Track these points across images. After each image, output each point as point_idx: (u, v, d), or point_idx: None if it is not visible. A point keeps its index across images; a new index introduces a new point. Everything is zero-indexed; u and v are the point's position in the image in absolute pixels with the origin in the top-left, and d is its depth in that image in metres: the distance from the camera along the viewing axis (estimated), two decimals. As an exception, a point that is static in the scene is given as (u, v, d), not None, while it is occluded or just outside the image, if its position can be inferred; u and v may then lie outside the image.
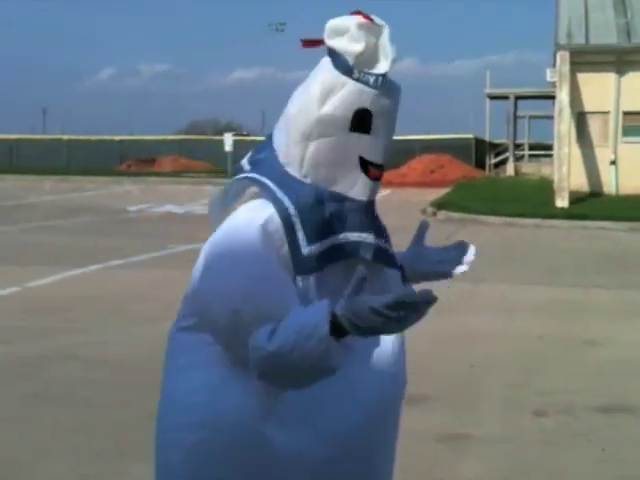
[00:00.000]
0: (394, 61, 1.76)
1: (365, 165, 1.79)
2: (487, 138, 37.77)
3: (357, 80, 1.74)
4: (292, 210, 1.75)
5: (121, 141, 41.70)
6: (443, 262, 2.13)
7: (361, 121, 1.75)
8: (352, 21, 1.74)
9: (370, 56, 1.75)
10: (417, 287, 1.74)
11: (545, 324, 7.37)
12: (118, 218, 17.40)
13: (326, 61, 1.80)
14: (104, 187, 27.42)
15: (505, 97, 36.43)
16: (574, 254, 12.32)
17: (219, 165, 35.20)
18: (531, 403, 5.12)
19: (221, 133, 39.06)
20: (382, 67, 1.75)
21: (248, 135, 45.53)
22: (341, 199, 1.79)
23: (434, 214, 18.07)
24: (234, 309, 1.65)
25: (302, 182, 1.78)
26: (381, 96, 1.76)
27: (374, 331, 1.55)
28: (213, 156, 37.18)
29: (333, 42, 1.76)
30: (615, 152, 22.62)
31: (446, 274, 2.13)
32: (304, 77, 1.87)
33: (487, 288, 8.98)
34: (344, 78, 1.74)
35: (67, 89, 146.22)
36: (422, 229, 2.15)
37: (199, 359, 1.80)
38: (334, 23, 1.77)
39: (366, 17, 1.76)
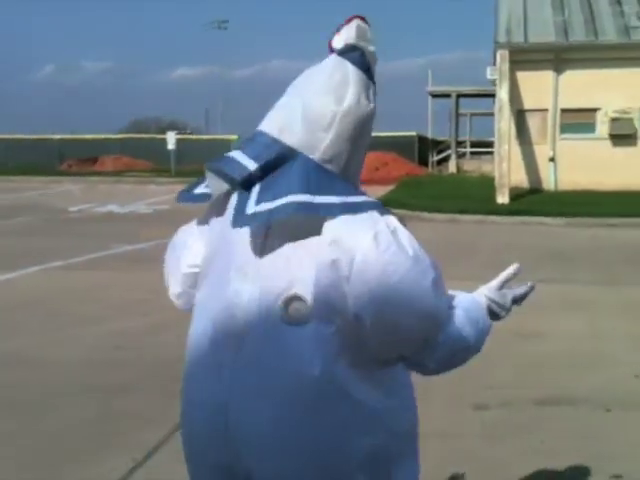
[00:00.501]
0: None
1: None
2: (430, 135, 38.14)
3: (371, 79, 1.90)
4: None
5: (61, 140, 40.89)
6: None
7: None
8: (367, 25, 1.91)
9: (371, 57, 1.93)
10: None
11: (486, 319, 7.48)
12: (58, 218, 17.10)
13: (344, 62, 1.87)
14: (44, 187, 26.91)
15: (447, 95, 36.84)
16: (515, 249, 12.52)
17: (162, 164, 34.83)
18: (472, 397, 5.20)
19: (164, 132, 38.59)
20: (375, 67, 1.94)
21: (192, 133, 45.14)
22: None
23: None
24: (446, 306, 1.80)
25: (343, 177, 1.88)
26: None
27: (497, 318, 1.97)
28: (156, 155, 36.72)
29: (360, 42, 1.89)
30: (554, 149, 23.07)
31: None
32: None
33: (430, 284, 9.08)
34: (365, 77, 1.88)
35: (3, 86, 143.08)
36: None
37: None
38: (363, 25, 1.90)
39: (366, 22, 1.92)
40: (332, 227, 1.73)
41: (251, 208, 1.81)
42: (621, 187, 21.22)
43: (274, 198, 1.78)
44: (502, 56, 21.43)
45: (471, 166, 34.19)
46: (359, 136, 1.87)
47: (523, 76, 22.60)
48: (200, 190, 2.02)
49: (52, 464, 4.11)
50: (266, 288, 1.76)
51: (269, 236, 1.79)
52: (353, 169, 1.91)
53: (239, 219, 1.83)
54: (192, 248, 2.01)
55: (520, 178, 22.50)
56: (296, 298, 1.73)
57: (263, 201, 1.80)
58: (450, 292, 1.87)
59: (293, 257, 1.75)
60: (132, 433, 4.51)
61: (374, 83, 1.91)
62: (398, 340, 1.75)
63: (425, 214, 17.41)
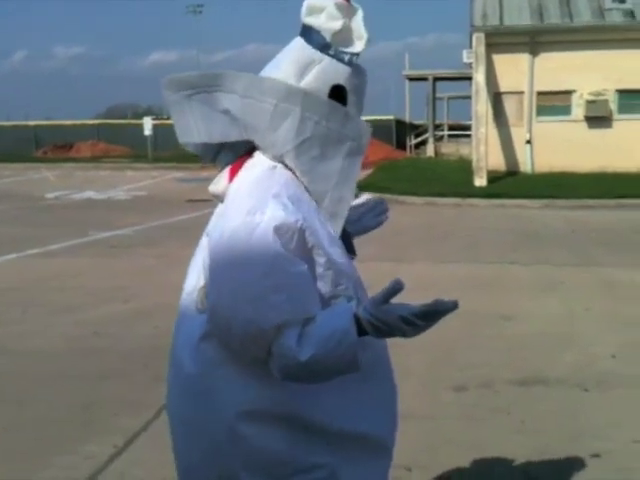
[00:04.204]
0: (368, 42, 1.81)
1: None
2: (407, 119, 38.15)
3: (333, 56, 1.79)
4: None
5: (36, 126, 40.47)
6: (363, 218, 2.23)
7: (337, 97, 1.81)
8: (329, 1, 1.79)
9: (344, 36, 1.79)
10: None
11: (464, 300, 7.44)
12: (35, 205, 16.96)
13: (299, 40, 1.83)
14: (20, 174, 26.67)
15: (424, 79, 36.79)
16: (492, 232, 12.61)
17: (139, 150, 34.62)
18: (451, 379, 5.24)
19: (141, 117, 38.30)
20: (357, 46, 1.81)
21: (169, 119, 44.75)
22: None
23: (356, 195, 18.16)
24: (249, 318, 1.64)
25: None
26: (354, 74, 1.83)
27: (393, 335, 1.63)
28: (133, 141, 36.51)
29: (310, 19, 1.80)
30: (530, 131, 23.17)
31: (370, 228, 2.24)
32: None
33: (408, 267, 9.12)
34: (320, 55, 1.79)
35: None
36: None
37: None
38: (312, 1, 1.80)
39: None
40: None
41: None
42: (597, 169, 21.41)
43: None
44: (478, 39, 21.46)
45: (449, 149, 34.27)
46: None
47: (499, 59, 22.66)
48: None
49: (32, 453, 4.10)
50: (191, 278, 1.91)
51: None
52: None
53: None
54: None
55: (497, 161, 22.60)
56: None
57: None
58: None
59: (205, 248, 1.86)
60: (112, 419, 4.51)
61: (343, 61, 1.80)
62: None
63: (403, 197, 17.44)
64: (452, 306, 1.58)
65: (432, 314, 1.58)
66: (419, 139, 36.55)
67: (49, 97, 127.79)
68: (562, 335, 6.36)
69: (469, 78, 26.98)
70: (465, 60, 26.14)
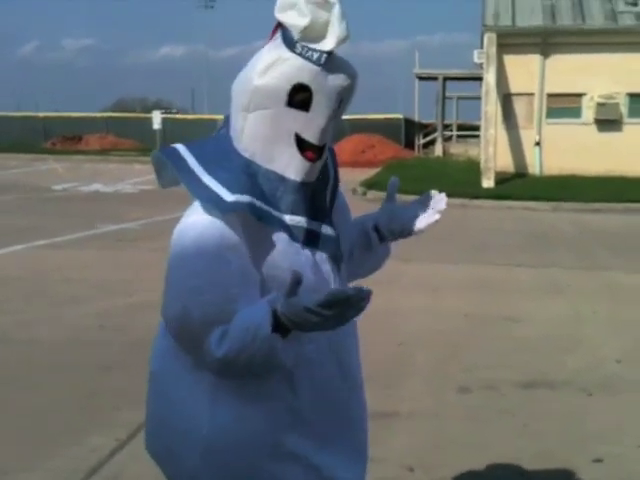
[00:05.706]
0: (342, 40, 1.71)
1: (301, 144, 1.75)
2: (416, 118, 38.07)
3: (299, 55, 1.70)
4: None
5: (45, 118, 40.51)
6: (416, 217, 2.15)
7: (300, 97, 1.72)
8: None
9: (319, 32, 1.70)
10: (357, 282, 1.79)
11: (470, 302, 7.52)
12: (43, 197, 16.97)
13: (278, 35, 1.76)
14: (28, 165, 26.70)
15: (434, 78, 36.70)
16: (499, 233, 12.58)
17: (148, 143, 34.64)
18: (456, 380, 5.23)
19: (150, 111, 38.32)
20: (327, 44, 1.70)
21: (178, 113, 44.86)
22: (277, 178, 1.77)
23: (364, 194, 18.17)
24: (182, 313, 1.68)
25: (239, 155, 1.77)
26: (324, 74, 1.72)
27: (316, 328, 1.56)
28: (141, 134, 36.51)
29: (281, 15, 1.73)
30: (539, 133, 23.08)
31: (420, 230, 2.16)
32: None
33: (414, 267, 9.10)
34: (289, 53, 1.71)
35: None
36: (392, 187, 2.23)
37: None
38: None
39: None
40: None
41: None
42: (606, 172, 21.32)
43: None
44: (489, 39, 21.38)
45: (457, 149, 34.17)
46: (247, 112, 1.75)
47: (510, 60, 22.57)
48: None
49: (34, 444, 4.09)
50: None
51: None
52: (261, 156, 1.76)
53: None
54: None
55: (506, 162, 22.52)
56: None
57: None
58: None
59: None
60: (115, 413, 4.50)
61: (310, 60, 1.70)
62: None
63: (410, 197, 17.26)
64: (360, 293, 1.47)
65: (336, 303, 1.49)
66: (428, 139, 36.46)
67: (58, 89, 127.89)
68: (568, 338, 6.34)
69: (479, 78, 26.89)
70: (476, 60, 26.01)
